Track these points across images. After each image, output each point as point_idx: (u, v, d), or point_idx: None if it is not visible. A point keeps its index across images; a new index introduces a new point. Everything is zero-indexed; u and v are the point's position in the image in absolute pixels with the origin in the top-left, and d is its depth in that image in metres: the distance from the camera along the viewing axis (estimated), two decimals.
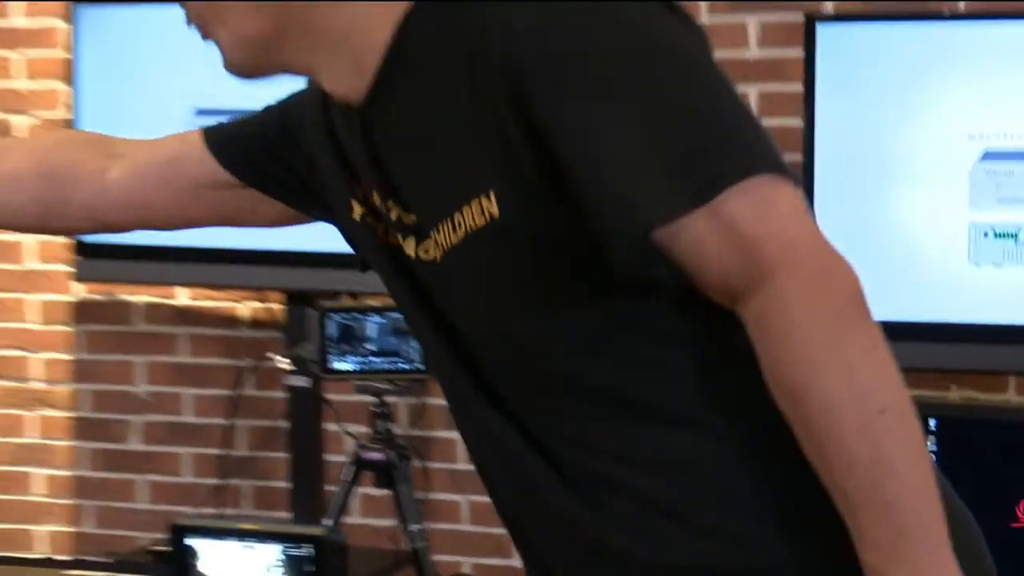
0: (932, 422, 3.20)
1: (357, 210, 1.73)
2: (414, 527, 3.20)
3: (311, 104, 1.80)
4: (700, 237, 1.42)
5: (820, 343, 1.42)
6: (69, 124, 3.72)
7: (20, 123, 4.08)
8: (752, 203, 1.42)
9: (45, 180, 1.93)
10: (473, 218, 1.54)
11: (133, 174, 1.91)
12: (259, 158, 1.88)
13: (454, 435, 3.71)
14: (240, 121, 1.92)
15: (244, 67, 1.64)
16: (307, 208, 1.90)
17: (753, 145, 1.46)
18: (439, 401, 3.63)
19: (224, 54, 1.64)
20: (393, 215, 1.66)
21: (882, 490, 1.43)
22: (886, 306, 3.09)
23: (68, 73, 3.79)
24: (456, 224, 1.56)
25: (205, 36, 1.64)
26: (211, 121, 1.90)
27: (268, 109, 1.89)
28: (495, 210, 1.52)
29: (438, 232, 1.59)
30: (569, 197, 1.47)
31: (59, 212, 1.98)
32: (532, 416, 1.59)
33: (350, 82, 1.63)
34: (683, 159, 1.44)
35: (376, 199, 1.68)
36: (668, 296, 1.51)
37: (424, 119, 1.60)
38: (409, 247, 1.65)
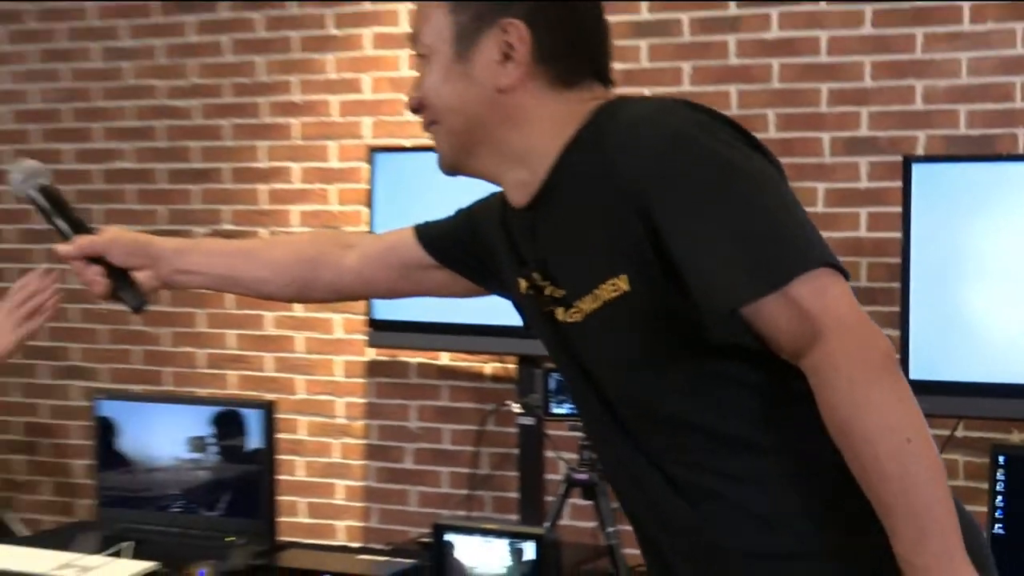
0: (1001, 458, 3.12)
1: (523, 286, 1.80)
2: (609, 529, 3.29)
3: (495, 205, 1.87)
4: (774, 313, 1.53)
5: (861, 390, 1.51)
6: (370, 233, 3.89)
7: None
8: (812, 288, 1.52)
9: (302, 265, 2.07)
10: (608, 292, 1.63)
11: (363, 260, 2.04)
12: (453, 247, 1.98)
13: None
14: (440, 221, 2.02)
15: (450, 164, 1.77)
16: (487, 285, 1.98)
17: (813, 245, 1.55)
18: None
19: (439, 151, 1.77)
20: (547, 291, 1.74)
21: (908, 498, 1.51)
22: (966, 369, 3.26)
23: (368, 199, 3.91)
24: (595, 296, 1.64)
25: (427, 128, 1.77)
26: None
27: (460, 211, 2.00)
28: (626, 287, 1.61)
29: (581, 301, 1.67)
30: (678, 281, 1.57)
31: (312, 287, 2.11)
32: (651, 444, 1.69)
33: (522, 189, 1.73)
34: (761, 256, 1.54)
35: (537, 278, 1.75)
36: (749, 354, 1.61)
37: (573, 219, 1.68)
38: (560, 314, 1.72)
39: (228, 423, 3.63)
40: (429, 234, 2.02)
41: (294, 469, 4.32)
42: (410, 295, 2.13)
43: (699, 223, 1.56)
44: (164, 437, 3.61)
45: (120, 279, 2.03)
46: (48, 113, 4.75)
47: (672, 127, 1.62)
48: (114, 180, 4.64)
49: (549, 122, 1.71)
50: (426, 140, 3.96)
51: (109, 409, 3.78)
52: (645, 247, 1.59)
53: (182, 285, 2.13)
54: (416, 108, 1.79)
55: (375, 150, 3.95)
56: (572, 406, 3.28)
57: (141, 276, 2.03)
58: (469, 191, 3.57)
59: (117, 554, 3.38)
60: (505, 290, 1.91)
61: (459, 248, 1.98)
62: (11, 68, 4.80)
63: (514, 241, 1.82)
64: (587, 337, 1.71)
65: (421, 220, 3.53)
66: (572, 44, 1.72)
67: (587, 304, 1.68)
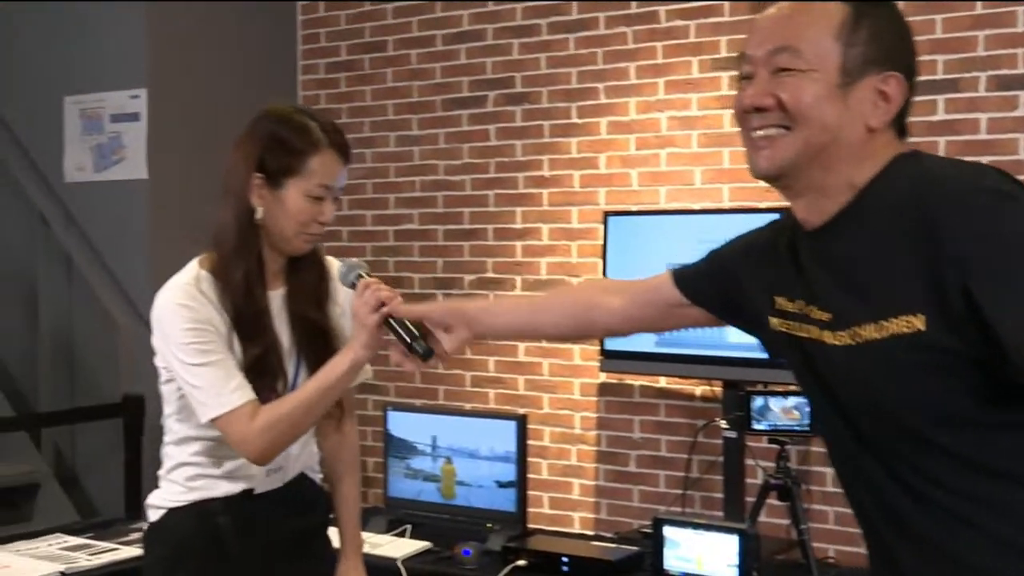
0: None
1: (774, 322, 1.67)
2: (802, 526, 3.21)
3: (758, 240, 1.78)
4: None
5: None
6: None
7: (574, 281, 4.16)
8: None
9: (580, 312, 2.06)
10: (900, 326, 1.45)
11: (629, 302, 1.99)
12: (704, 287, 1.89)
13: (825, 469, 3.74)
14: (693, 264, 1.93)
15: (778, 169, 1.58)
16: (731, 320, 1.89)
17: None
18: (817, 448, 3.64)
19: (768, 155, 1.58)
20: (811, 314, 1.58)
21: None
22: None
23: (603, 253, 3.84)
24: (881, 326, 1.47)
25: (764, 127, 1.56)
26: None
27: (710, 254, 1.91)
28: (922, 326, 1.43)
29: (862, 328, 1.49)
30: (983, 336, 1.40)
31: (590, 329, 2.19)
32: (902, 465, 1.51)
33: (819, 213, 1.57)
34: None
35: (801, 302, 1.61)
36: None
37: (870, 250, 1.51)
38: (824, 336, 1.55)
39: (489, 432, 3.62)
40: (684, 277, 1.92)
41: (540, 470, 4.26)
42: (670, 330, 2.11)
43: (1014, 293, 1.38)
44: (437, 441, 3.63)
45: (411, 338, 2.06)
46: (353, 187, 4.80)
47: (993, 189, 1.44)
48: (402, 239, 4.70)
49: (873, 160, 1.55)
50: (649, 205, 3.99)
51: (395, 418, 3.84)
52: (956, 301, 1.41)
53: (490, 338, 2.18)
54: (764, 107, 1.58)
55: (608, 214, 3.89)
56: (769, 423, 3.21)
57: (457, 334, 2.04)
58: (680, 245, 3.59)
59: (401, 534, 3.38)
60: (750, 326, 1.81)
61: (709, 286, 1.88)
62: None
63: (781, 265, 1.67)
64: (856, 361, 1.53)
65: (644, 270, 3.62)
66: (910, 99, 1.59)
67: (868, 332, 1.50)
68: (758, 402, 3.21)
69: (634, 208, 4.08)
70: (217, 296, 2.22)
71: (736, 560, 2.88)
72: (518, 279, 4.39)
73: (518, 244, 4.39)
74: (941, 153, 3.63)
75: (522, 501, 3.55)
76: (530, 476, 3.81)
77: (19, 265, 4.76)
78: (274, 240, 2.25)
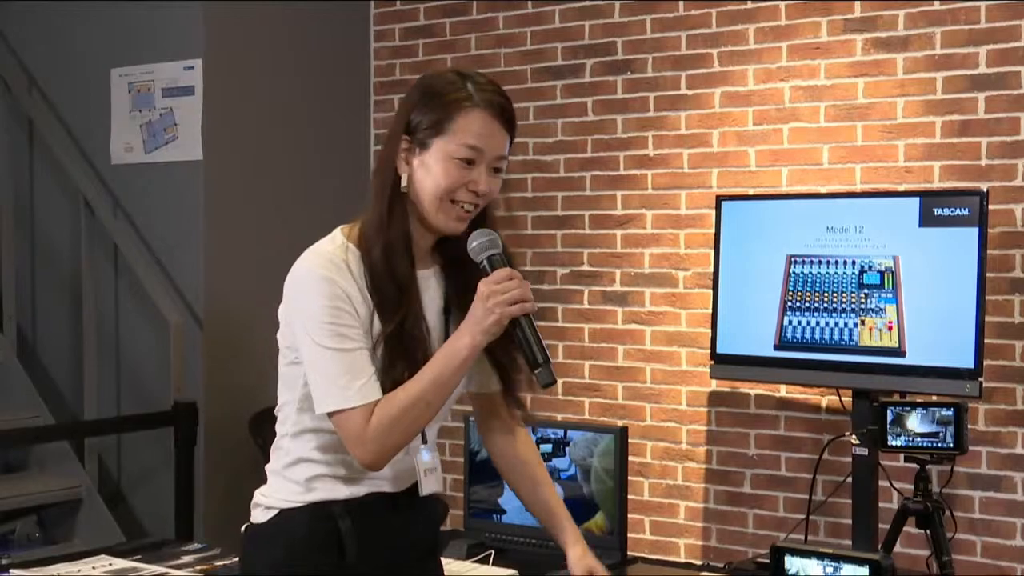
0: None
1: None
2: (945, 558, 3.16)
3: None
4: None
5: None
6: (715, 274, 3.79)
7: (681, 275, 4.27)
8: None
9: None
10: None
11: None
12: None
13: (972, 492, 3.77)
14: None
15: None
16: None
17: None
18: (962, 469, 3.66)
19: None
20: None
21: None
22: None
23: (714, 242, 3.82)
24: None
25: None
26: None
27: None
28: None
29: None
30: None
31: None
32: None
33: None
34: None
35: None
36: None
37: None
38: None
39: (584, 446, 3.62)
40: None
41: (641, 490, 4.30)
42: None
43: None
44: None
45: (539, 356, 2.16)
46: None
47: None
48: None
49: None
50: (768, 188, 3.99)
51: (476, 433, 3.84)
52: None
53: None
54: None
55: (722, 198, 3.87)
56: (907, 438, 3.21)
57: None
58: (805, 233, 3.58)
59: (484, 561, 3.42)
60: None
61: None
62: None
63: None
64: None
65: (763, 262, 3.62)
66: None
67: None
68: (894, 414, 3.19)
69: (751, 191, 4.08)
70: (362, 276, 2.22)
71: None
72: (617, 272, 4.42)
73: (618, 233, 4.42)
74: None
75: (621, 525, 3.56)
76: (630, 497, 3.82)
77: (62, 257, 4.88)
78: (421, 213, 2.25)
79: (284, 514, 2.32)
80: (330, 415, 2.21)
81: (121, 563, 3.13)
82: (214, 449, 4.48)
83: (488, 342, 2.17)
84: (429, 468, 2.32)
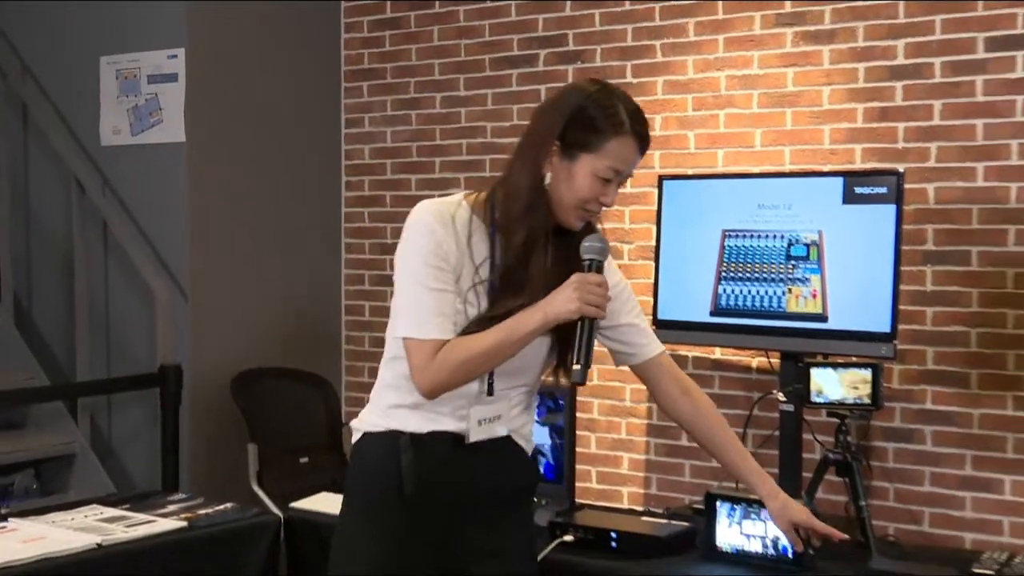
0: None
1: None
2: (861, 503, 3.21)
3: None
4: None
5: None
6: (656, 247, 3.79)
7: (626, 248, 4.25)
8: None
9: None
10: None
11: None
12: None
13: (887, 444, 3.78)
14: None
15: None
16: None
17: None
18: (877, 423, 3.72)
19: None
20: None
21: None
22: None
23: (656, 218, 3.84)
24: None
25: None
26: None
27: None
28: None
29: None
30: None
31: None
32: None
33: None
34: None
35: None
36: None
37: None
38: None
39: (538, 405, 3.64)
40: None
41: (588, 443, 4.31)
42: None
43: None
44: None
45: (583, 356, 2.23)
46: (397, 150, 4.88)
47: None
48: None
49: None
50: (706, 169, 4.02)
51: None
52: None
53: None
54: None
55: (664, 178, 3.89)
56: (829, 397, 3.21)
57: None
58: (739, 210, 3.60)
59: None
60: None
61: None
62: (372, 115, 4.96)
63: None
64: None
65: (700, 236, 3.64)
66: None
67: None
68: (817, 374, 3.20)
69: (690, 171, 4.09)
70: (465, 232, 2.30)
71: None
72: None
73: None
74: (1018, 113, 3.61)
75: (570, 475, 3.59)
76: (578, 450, 3.84)
77: (55, 232, 4.85)
78: (552, 207, 2.31)
79: (365, 438, 2.41)
80: (404, 340, 2.29)
81: (111, 511, 3.15)
82: (197, 408, 4.48)
83: (554, 325, 2.24)
84: (484, 418, 2.36)
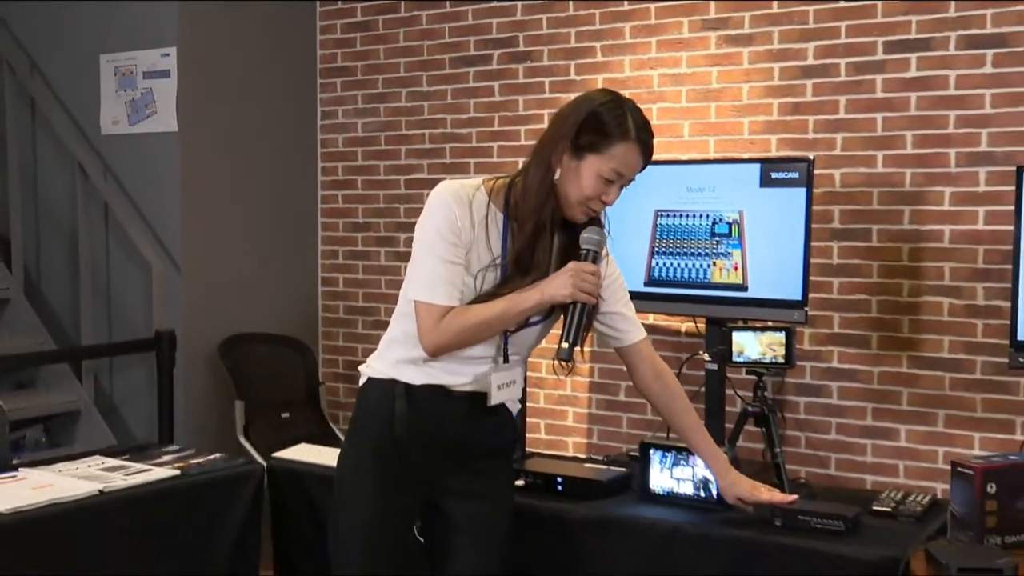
0: None
1: None
2: (776, 450, 3.14)
3: None
4: None
5: None
6: None
7: None
8: None
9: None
10: None
11: None
12: None
13: (799, 398, 3.83)
14: None
15: None
16: None
17: None
18: (791, 380, 3.74)
19: None
20: None
21: None
22: None
23: None
24: None
25: None
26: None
27: None
28: None
29: None
30: None
31: None
32: None
33: None
34: None
35: None
36: None
37: None
38: None
39: None
40: None
41: (538, 399, 4.30)
42: None
43: None
44: None
45: (574, 337, 2.25)
46: (367, 139, 4.83)
47: None
48: (412, 187, 4.71)
49: None
50: None
51: None
52: None
53: None
54: None
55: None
56: (749, 357, 3.21)
57: None
58: (669, 193, 3.57)
59: None
60: None
61: None
62: (344, 108, 4.90)
63: None
64: None
65: (634, 217, 3.60)
66: None
67: None
68: (738, 337, 3.19)
69: None
70: (481, 215, 2.28)
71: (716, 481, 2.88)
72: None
73: None
74: (912, 108, 3.64)
75: (521, 427, 3.55)
76: (529, 404, 3.84)
77: (61, 213, 4.78)
78: (559, 202, 2.29)
79: (368, 383, 2.39)
80: (415, 301, 2.27)
81: (112, 461, 3.10)
82: (189, 369, 4.44)
83: (549, 305, 2.26)
84: (503, 383, 2.35)
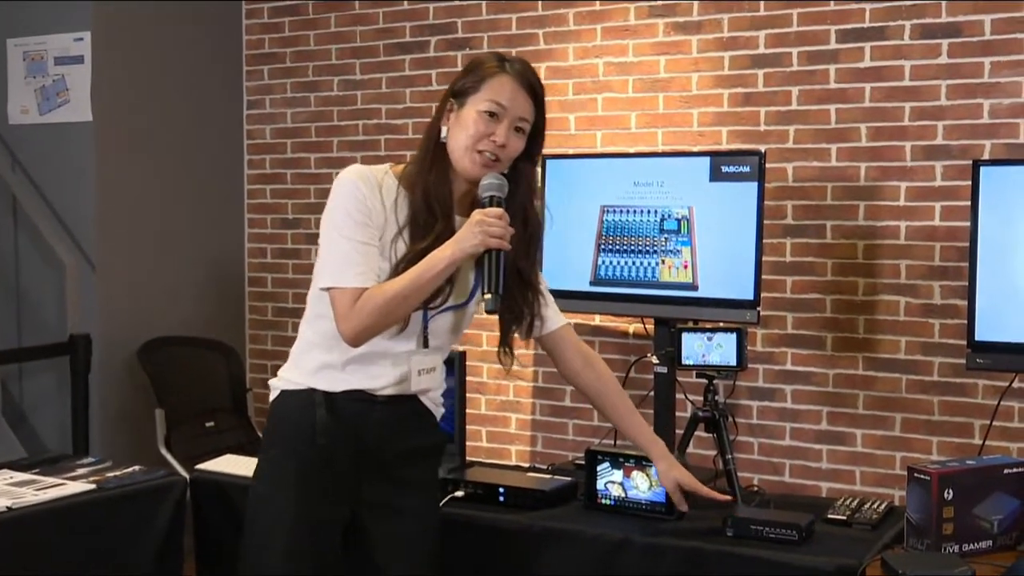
0: None
1: None
2: (727, 456, 3.14)
3: None
4: None
5: None
6: None
7: None
8: None
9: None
10: None
11: None
12: None
13: (751, 403, 3.87)
14: None
15: None
16: None
17: None
18: (743, 383, 3.76)
19: None
20: None
21: None
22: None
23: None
24: None
25: None
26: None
27: None
28: None
29: None
30: None
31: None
32: None
33: None
34: None
35: None
36: None
37: None
38: None
39: None
40: None
41: (479, 405, 4.30)
42: None
43: None
44: None
45: (492, 285, 2.23)
46: (297, 130, 4.80)
47: None
48: None
49: None
50: (585, 149, 3.99)
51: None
52: None
53: None
54: None
55: (547, 157, 3.69)
56: (698, 359, 3.21)
57: None
58: (616, 187, 3.59)
59: None
60: None
61: None
62: (272, 97, 4.87)
63: None
64: None
65: (581, 211, 3.61)
66: None
67: None
68: (687, 338, 3.19)
69: (571, 151, 4.07)
70: (391, 198, 2.29)
71: (664, 490, 2.90)
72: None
73: None
74: (867, 99, 3.69)
75: (461, 434, 3.55)
76: (469, 411, 3.82)
77: None
78: (454, 160, 2.31)
79: (281, 396, 2.37)
80: (327, 291, 2.24)
81: (21, 476, 3.03)
82: (106, 375, 4.37)
83: (464, 259, 2.23)
84: (423, 368, 2.34)
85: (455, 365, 3.54)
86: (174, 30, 4.64)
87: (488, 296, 2.23)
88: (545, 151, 3.96)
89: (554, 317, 2.54)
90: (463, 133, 2.27)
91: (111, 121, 4.42)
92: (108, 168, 4.42)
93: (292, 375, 2.37)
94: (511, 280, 2.35)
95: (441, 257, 2.21)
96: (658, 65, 4.00)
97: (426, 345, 2.34)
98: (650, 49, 4.02)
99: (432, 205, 2.28)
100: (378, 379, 2.33)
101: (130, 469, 3.11)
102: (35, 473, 3.06)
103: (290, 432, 2.34)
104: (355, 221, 2.24)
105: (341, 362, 2.31)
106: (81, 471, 3.10)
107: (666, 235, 3.52)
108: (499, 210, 2.24)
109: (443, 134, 2.31)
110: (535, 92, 2.32)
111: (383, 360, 2.32)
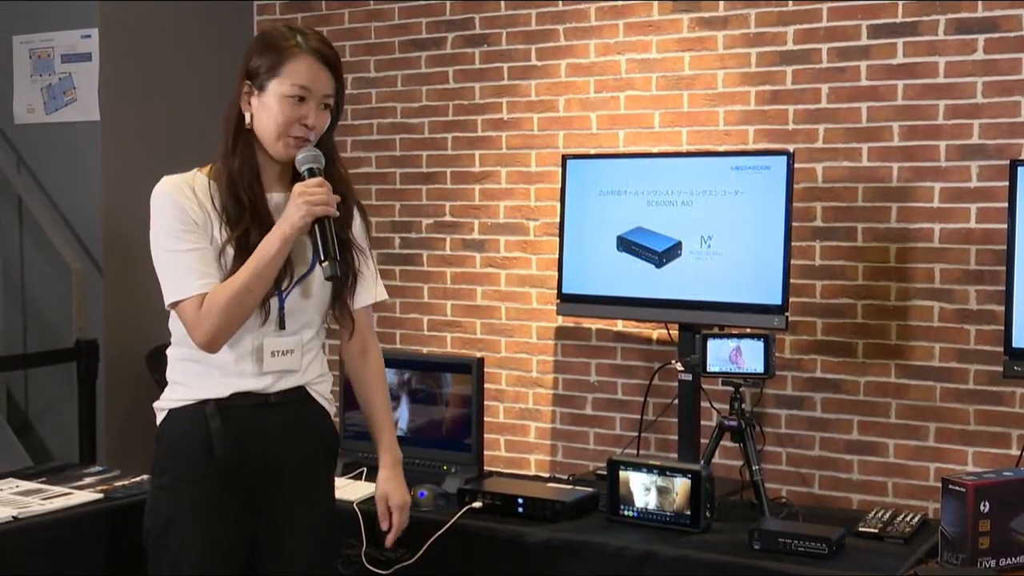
0: None
1: None
2: (755, 467, 3.19)
3: None
4: None
5: None
6: (561, 223, 3.73)
7: (532, 225, 4.26)
8: None
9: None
10: None
11: None
12: None
13: (779, 411, 3.84)
14: None
15: None
16: None
17: None
18: (770, 391, 3.75)
19: None
20: None
21: None
22: None
23: (560, 196, 3.77)
24: None
25: None
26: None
27: None
28: None
29: None
30: None
31: None
32: None
33: None
34: None
35: None
36: None
37: None
38: None
39: (447, 375, 3.60)
40: None
41: (497, 413, 4.30)
42: None
43: None
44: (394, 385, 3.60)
45: (327, 252, 2.27)
46: None
47: None
48: (359, 182, 4.59)
49: None
50: (607, 148, 4.00)
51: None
52: None
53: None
54: None
55: (567, 157, 3.83)
56: (725, 366, 3.21)
57: None
58: (639, 188, 3.59)
59: (357, 477, 3.39)
60: None
61: None
62: None
63: None
64: None
65: (602, 214, 3.62)
66: None
67: None
68: (713, 344, 3.21)
69: (592, 151, 4.07)
70: (207, 197, 2.33)
71: (690, 500, 2.89)
72: (476, 222, 4.40)
73: (476, 187, 4.39)
74: (899, 97, 3.67)
75: (479, 444, 3.55)
76: (487, 419, 3.83)
77: None
78: (265, 145, 2.34)
79: (170, 415, 2.39)
80: (174, 307, 2.30)
81: (27, 485, 3.06)
82: (113, 382, 4.39)
83: (297, 235, 2.27)
84: (277, 350, 2.36)
85: (473, 372, 3.56)
86: (185, 27, 4.66)
87: (326, 264, 2.28)
88: (566, 151, 4.04)
89: (362, 294, 2.52)
90: (271, 120, 2.31)
91: (119, 120, 4.44)
92: (116, 169, 4.43)
93: (177, 394, 2.39)
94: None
95: (273, 240, 2.26)
96: (682, 62, 4.00)
97: (282, 327, 2.36)
98: (674, 45, 4.02)
99: (238, 192, 2.32)
100: (262, 379, 2.36)
101: (138, 478, 3.13)
102: (41, 482, 3.08)
103: (184, 451, 2.35)
104: (178, 231, 2.30)
105: (219, 366, 2.34)
106: (89, 480, 3.13)
107: (691, 238, 3.52)
108: (319, 180, 2.29)
109: (247, 120, 2.34)
110: (333, 66, 2.36)
111: (257, 353, 2.35)
